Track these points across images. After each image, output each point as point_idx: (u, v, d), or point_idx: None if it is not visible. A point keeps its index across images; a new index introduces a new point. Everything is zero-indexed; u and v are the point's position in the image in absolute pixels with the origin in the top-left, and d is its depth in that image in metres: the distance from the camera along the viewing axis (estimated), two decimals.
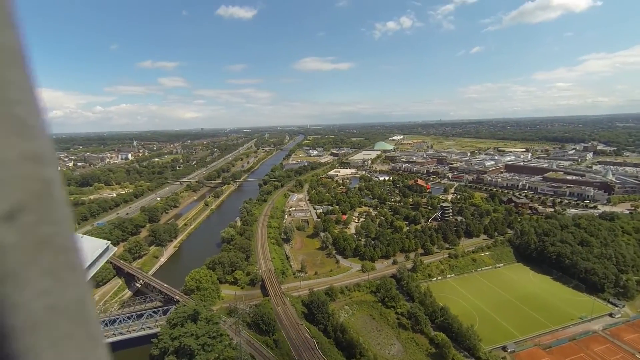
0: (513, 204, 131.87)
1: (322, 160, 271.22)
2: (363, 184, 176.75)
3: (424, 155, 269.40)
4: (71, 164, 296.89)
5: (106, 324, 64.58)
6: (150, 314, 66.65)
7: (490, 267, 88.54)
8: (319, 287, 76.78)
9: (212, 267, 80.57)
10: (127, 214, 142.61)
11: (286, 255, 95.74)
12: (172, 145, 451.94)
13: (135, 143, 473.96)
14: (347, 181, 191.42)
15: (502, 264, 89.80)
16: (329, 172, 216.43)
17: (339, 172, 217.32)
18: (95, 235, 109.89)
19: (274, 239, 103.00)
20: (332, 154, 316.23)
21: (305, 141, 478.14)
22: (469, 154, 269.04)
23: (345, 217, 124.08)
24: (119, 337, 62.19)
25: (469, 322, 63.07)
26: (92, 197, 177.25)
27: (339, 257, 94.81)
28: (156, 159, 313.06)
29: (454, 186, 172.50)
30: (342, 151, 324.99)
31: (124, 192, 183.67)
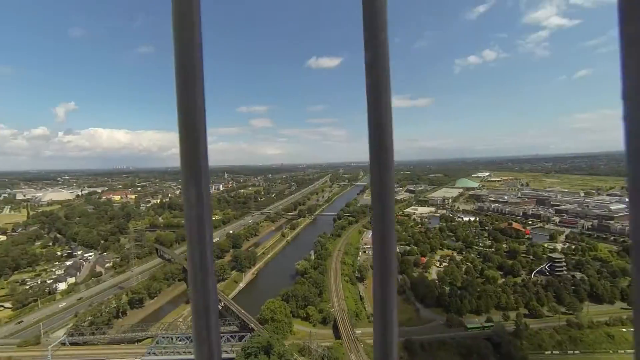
0: None
1: (398, 197, 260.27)
2: (444, 224, 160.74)
3: (518, 195, 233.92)
4: (178, 192, 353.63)
5: (191, 340, 69.19)
6: (228, 338, 68.97)
7: None
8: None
9: (286, 299, 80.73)
10: (217, 238, 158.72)
11: (360, 296, 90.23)
12: (255, 179, 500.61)
13: (226, 176, 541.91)
14: (426, 220, 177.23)
15: None
16: (405, 210, 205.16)
17: (416, 209, 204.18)
18: None
19: (348, 277, 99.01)
20: (408, 191, 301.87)
21: None
22: (582, 194, 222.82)
23: (424, 259, 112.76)
24: None
25: None
26: None
27: (418, 304, 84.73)
28: (242, 190, 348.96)
29: (565, 233, 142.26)
30: (419, 188, 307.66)
31: (214, 218, 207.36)
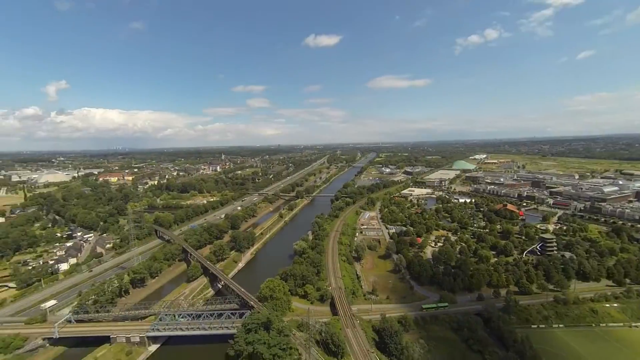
0: None
1: (395, 179, 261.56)
2: (440, 206, 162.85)
3: (514, 177, 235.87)
4: (175, 173, 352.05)
5: (193, 317, 71.66)
6: (228, 315, 71.38)
7: (622, 324, 68.49)
8: (391, 313, 71.39)
9: (284, 278, 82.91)
10: (216, 217, 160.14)
11: (357, 275, 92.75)
12: (253, 160, 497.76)
13: (223, 157, 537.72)
14: (422, 201, 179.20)
15: None
16: (402, 191, 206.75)
17: (413, 191, 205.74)
18: (189, 235, 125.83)
19: (345, 257, 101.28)
20: (406, 173, 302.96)
21: (377, 159, 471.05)
22: (576, 177, 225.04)
23: (420, 239, 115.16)
24: (203, 332, 68.06)
25: None
26: (188, 202, 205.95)
27: (413, 282, 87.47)
28: (239, 172, 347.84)
29: (557, 214, 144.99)
30: (417, 170, 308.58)
31: (212, 199, 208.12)
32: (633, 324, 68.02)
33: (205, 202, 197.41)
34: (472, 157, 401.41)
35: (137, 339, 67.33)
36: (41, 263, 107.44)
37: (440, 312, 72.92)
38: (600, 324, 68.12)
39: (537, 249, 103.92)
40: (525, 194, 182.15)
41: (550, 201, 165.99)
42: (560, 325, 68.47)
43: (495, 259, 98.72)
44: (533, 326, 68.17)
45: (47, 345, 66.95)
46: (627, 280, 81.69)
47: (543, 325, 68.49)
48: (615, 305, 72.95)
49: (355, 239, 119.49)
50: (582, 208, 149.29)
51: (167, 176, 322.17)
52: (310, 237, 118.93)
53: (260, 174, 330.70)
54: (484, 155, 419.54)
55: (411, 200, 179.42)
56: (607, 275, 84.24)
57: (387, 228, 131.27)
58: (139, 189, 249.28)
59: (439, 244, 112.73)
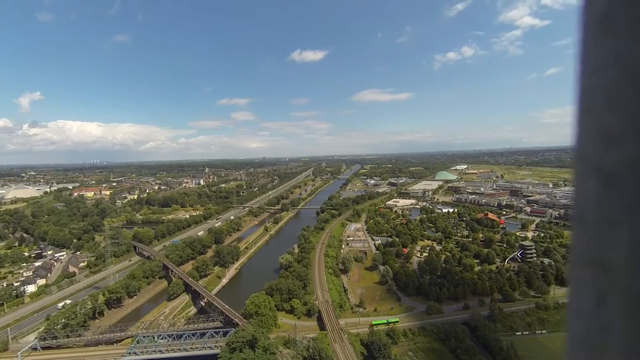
0: None
1: (380, 190, 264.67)
2: (424, 216, 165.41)
3: (494, 186, 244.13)
4: (156, 187, 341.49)
5: (174, 337, 68.00)
6: (212, 334, 68.28)
7: None
8: (379, 326, 70.57)
9: (270, 293, 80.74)
10: (199, 233, 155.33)
11: (344, 287, 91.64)
12: (237, 173, 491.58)
13: (207, 170, 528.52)
14: (407, 212, 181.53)
15: None
16: (387, 202, 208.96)
17: (397, 202, 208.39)
18: (171, 251, 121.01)
19: (331, 269, 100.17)
20: (390, 184, 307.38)
21: (362, 170, 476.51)
22: (551, 185, 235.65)
23: (406, 250, 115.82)
24: (184, 354, 64.57)
25: None
26: (170, 217, 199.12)
27: (400, 294, 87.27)
28: (223, 185, 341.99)
29: (535, 222, 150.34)
30: (401, 181, 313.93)
31: (195, 213, 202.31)
32: None
33: (187, 216, 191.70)
34: (454, 168, 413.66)
35: None
36: (5, 285, 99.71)
37: (427, 323, 72.81)
38: None
39: (518, 256, 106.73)
40: (505, 202, 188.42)
41: (528, 209, 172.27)
42: (544, 332, 69.96)
43: (479, 267, 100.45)
44: (517, 333, 69.23)
45: None
46: None
47: (527, 332, 69.73)
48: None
49: (342, 251, 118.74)
50: (557, 215, 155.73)
51: (147, 190, 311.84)
52: (296, 250, 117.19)
53: (244, 187, 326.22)
54: (465, 166, 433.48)
55: (396, 211, 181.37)
56: None
57: (373, 239, 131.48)
58: (117, 204, 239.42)
59: (425, 254, 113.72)
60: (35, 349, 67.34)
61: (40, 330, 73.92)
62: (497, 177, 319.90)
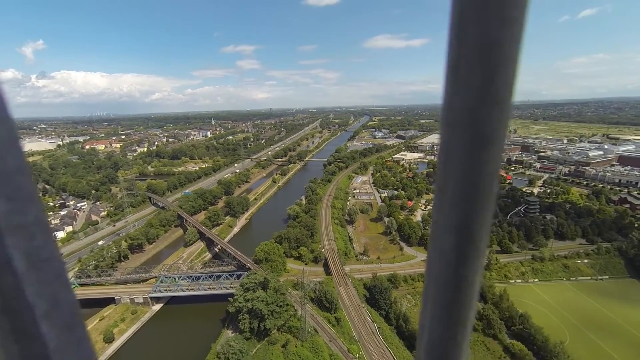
0: (628, 205, 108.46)
1: (388, 143, 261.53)
2: (431, 170, 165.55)
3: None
4: (164, 139, 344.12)
5: (193, 279, 75.21)
6: (226, 276, 75.05)
7: (589, 277, 75.36)
8: (382, 272, 75.96)
9: (279, 241, 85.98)
10: (209, 185, 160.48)
11: (349, 237, 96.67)
12: (244, 125, 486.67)
13: (213, 122, 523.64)
14: (414, 166, 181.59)
15: (607, 277, 75.42)
16: (394, 156, 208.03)
17: (405, 155, 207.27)
18: (184, 202, 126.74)
19: (338, 220, 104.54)
20: (399, 137, 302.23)
21: (370, 122, 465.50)
22: (565, 141, 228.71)
23: (411, 203, 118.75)
24: (202, 292, 71.96)
25: (556, 337, 55.36)
26: (180, 169, 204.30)
27: (403, 244, 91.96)
28: (230, 137, 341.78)
29: (543, 178, 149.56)
30: (410, 134, 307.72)
31: (204, 165, 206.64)
32: (599, 277, 74.97)
33: (197, 168, 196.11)
34: None
35: (141, 300, 71.02)
36: None
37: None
38: (571, 278, 74.69)
39: (521, 211, 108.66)
40: (515, 158, 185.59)
41: (538, 165, 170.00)
42: (536, 280, 74.67)
43: None
44: (511, 281, 74.05)
45: None
46: (599, 239, 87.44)
47: (520, 281, 74.49)
48: (586, 261, 79.47)
49: (348, 202, 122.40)
50: (567, 172, 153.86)
51: (156, 143, 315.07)
52: (304, 202, 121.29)
53: (252, 139, 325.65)
54: None
55: (403, 165, 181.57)
56: (582, 234, 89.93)
57: (379, 192, 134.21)
58: (128, 157, 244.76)
59: (429, 207, 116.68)
60: (73, 285, 75.77)
61: (75, 270, 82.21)
62: (510, 131, 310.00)
